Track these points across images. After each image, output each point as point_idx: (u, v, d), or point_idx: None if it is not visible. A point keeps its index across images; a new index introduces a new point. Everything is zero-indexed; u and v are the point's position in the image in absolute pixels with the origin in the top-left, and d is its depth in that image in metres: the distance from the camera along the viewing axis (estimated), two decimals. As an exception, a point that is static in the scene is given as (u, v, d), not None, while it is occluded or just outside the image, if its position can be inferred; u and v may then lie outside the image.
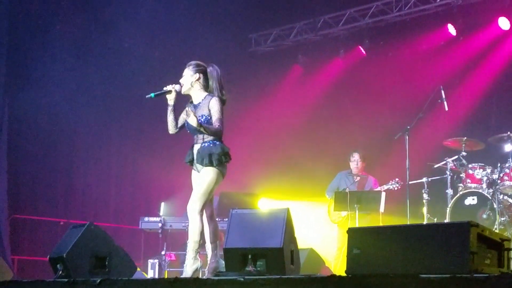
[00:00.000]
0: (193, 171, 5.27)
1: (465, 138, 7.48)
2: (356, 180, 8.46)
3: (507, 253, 3.36)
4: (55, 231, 8.41)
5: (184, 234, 8.11)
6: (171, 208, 8.88)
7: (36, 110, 8.72)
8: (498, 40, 9.07)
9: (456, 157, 7.47)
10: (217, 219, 7.80)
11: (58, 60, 8.77)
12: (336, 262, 7.86)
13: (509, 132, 7.10)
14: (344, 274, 3.31)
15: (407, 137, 7.19)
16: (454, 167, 7.46)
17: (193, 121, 4.99)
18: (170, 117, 5.30)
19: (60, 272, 4.78)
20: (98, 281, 4.01)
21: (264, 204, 8.80)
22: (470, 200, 7.13)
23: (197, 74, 5.26)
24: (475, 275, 2.87)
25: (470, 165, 7.34)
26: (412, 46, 9.59)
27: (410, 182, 7.19)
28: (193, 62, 5.35)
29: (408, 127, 7.25)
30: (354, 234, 3.47)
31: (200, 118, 5.07)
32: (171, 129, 5.33)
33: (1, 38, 8.36)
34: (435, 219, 7.44)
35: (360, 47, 10.10)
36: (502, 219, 6.88)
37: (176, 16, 9.38)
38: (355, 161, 8.46)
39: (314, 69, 10.52)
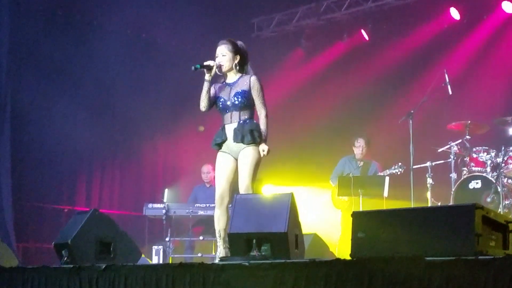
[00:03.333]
0: (221, 153, 5.08)
1: (469, 121, 7.46)
2: (360, 165, 8.47)
3: (512, 235, 3.36)
4: (60, 218, 8.44)
5: (188, 220, 8.15)
6: (175, 194, 8.89)
7: (40, 96, 8.71)
8: (502, 24, 9.01)
9: (460, 140, 7.45)
10: (221, 205, 7.93)
11: (60, 45, 8.74)
12: (340, 247, 7.88)
13: (513, 115, 7.08)
14: (348, 258, 3.32)
15: (411, 121, 7.17)
16: (458, 150, 7.44)
17: (265, 150, 4.96)
18: (206, 93, 5.05)
19: (65, 258, 4.79)
20: (103, 266, 4.03)
21: (268, 190, 8.81)
22: (474, 184, 7.11)
23: (237, 56, 5.11)
24: (480, 257, 2.87)
25: (474, 149, 7.32)
26: (415, 29, 9.54)
27: (414, 167, 7.17)
28: (229, 40, 5.14)
29: (412, 111, 7.23)
30: (359, 218, 3.47)
31: (239, 93, 4.98)
32: (205, 105, 5.09)
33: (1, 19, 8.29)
34: (439, 203, 7.43)
35: (363, 31, 10.05)
36: (506, 202, 6.87)
37: (178, 1, 9.33)
38: (360, 147, 8.45)
39: (317, 53, 10.48)
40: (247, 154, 4.95)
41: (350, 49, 10.22)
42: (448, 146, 7.48)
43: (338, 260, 3.23)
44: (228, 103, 5.03)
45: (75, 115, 9.04)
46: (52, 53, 8.62)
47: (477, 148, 7.31)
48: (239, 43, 5.20)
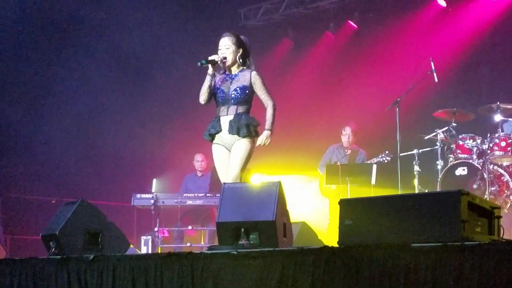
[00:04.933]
0: (215, 146, 5.13)
1: (455, 109, 7.50)
2: (347, 153, 8.49)
3: (497, 220, 3.39)
4: (48, 210, 8.40)
5: (176, 210, 8.15)
6: (163, 184, 8.88)
7: (26, 86, 8.65)
8: (487, 10, 9.04)
9: (446, 128, 7.50)
10: (209, 194, 7.95)
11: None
12: (328, 235, 7.91)
13: (498, 102, 7.12)
14: (336, 245, 3.34)
15: (397, 109, 7.20)
16: (444, 138, 7.49)
17: (267, 139, 5.03)
18: (208, 88, 5.09)
19: (53, 250, 4.77)
20: (92, 257, 4.02)
21: (257, 180, 8.82)
22: (461, 171, 7.17)
23: (240, 49, 5.15)
24: (466, 243, 2.90)
25: (460, 136, 7.37)
26: (402, 18, 9.55)
27: (401, 154, 7.21)
28: (232, 33, 5.17)
29: (399, 99, 7.25)
30: (346, 205, 3.48)
31: (240, 88, 5.02)
32: (205, 99, 5.13)
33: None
34: (426, 190, 7.48)
35: (349, 20, 10.05)
36: (492, 188, 6.93)
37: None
38: (346, 135, 8.48)
39: (304, 43, 10.47)
40: (241, 145, 5.00)
41: (337, 38, 10.22)
42: (434, 133, 7.53)
43: (325, 247, 3.25)
44: (228, 96, 5.07)
45: (63, 107, 8.99)
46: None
47: (463, 135, 7.36)
48: (243, 37, 5.25)
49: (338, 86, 9.88)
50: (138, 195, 7.96)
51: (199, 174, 8.94)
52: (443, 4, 9.29)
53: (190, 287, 3.56)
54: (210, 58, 5.06)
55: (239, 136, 5.00)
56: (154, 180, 8.61)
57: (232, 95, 5.07)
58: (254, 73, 5.11)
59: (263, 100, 5.13)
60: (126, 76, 9.60)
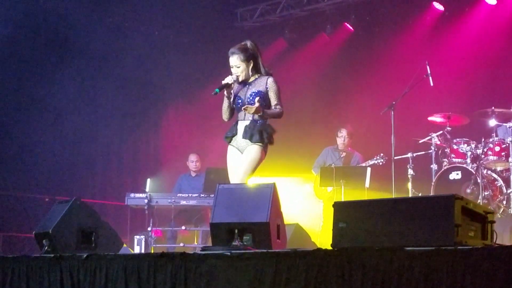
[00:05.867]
0: (230, 148, 5.23)
1: (450, 113, 7.52)
2: (342, 156, 8.50)
3: (490, 225, 3.40)
4: (41, 208, 8.39)
5: (170, 210, 8.14)
6: (157, 184, 8.86)
7: (20, 85, 8.63)
8: (484, 15, 9.07)
9: (441, 132, 7.52)
10: (203, 195, 7.94)
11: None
12: (322, 237, 7.92)
13: (493, 107, 7.14)
14: (330, 248, 3.34)
15: (392, 113, 7.21)
16: (439, 142, 7.51)
17: (256, 111, 4.99)
18: (227, 107, 5.23)
19: (46, 248, 4.76)
20: (85, 256, 4.01)
21: (251, 181, 8.80)
22: (454, 175, 7.19)
23: (251, 61, 5.18)
24: (459, 247, 2.91)
25: (454, 140, 7.39)
26: (398, 21, 9.57)
27: (395, 158, 7.22)
28: (239, 49, 5.18)
29: (394, 102, 7.26)
30: (340, 208, 3.48)
31: (255, 94, 5.08)
32: (227, 117, 5.27)
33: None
34: (420, 194, 7.50)
35: (346, 23, 10.06)
36: (486, 193, 6.95)
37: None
38: (342, 137, 8.48)
39: (300, 44, 10.47)
40: (251, 151, 5.09)
41: (333, 40, 10.22)
42: (429, 137, 7.54)
43: (319, 250, 3.26)
44: (244, 102, 5.13)
45: (57, 103, 8.97)
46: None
47: (458, 139, 7.39)
48: (249, 43, 5.25)
49: (334, 89, 9.89)
50: (132, 195, 7.94)
51: (193, 174, 8.93)
52: (440, 8, 9.31)
53: (183, 287, 3.55)
54: (223, 82, 5.13)
55: (251, 141, 5.09)
56: (148, 180, 8.59)
57: (249, 101, 5.13)
58: (271, 79, 5.19)
59: (274, 106, 5.17)
60: (121, 77, 9.58)
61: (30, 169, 8.74)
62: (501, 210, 6.93)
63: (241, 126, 5.16)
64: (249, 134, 5.08)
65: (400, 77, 8.59)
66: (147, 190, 8.28)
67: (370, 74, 9.59)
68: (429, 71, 7.27)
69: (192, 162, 8.90)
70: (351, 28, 10.04)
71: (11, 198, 8.53)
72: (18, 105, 8.64)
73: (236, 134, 5.18)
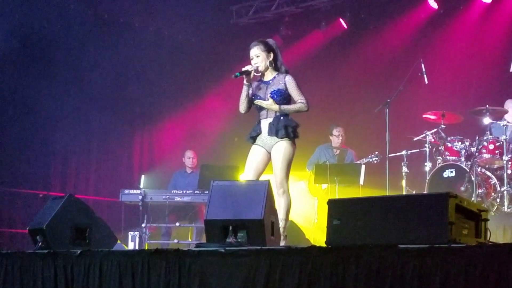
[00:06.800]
0: (255, 146, 5.25)
1: (444, 111, 7.54)
2: (336, 153, 8.51)
3: (484, 223, 3.41)
4: (35, 204, 8.35)
5: (164, 206, 8.13)
6: (152, 180, 8.86)
7: (14, 80, 8.59)
8: (478, 13, 9.09)
9: (435, 130, 7.53)
10: (197, 191, 7.94)
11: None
12: (316, 235, 7.93)
13: (487, 105, 7.16)
14: (324, 245, 3.35)
15: (387, 110, 7.21)
16: (433, 140, 7.52)
17: (273, 107, 5.07)
18: (245, 97, 5.27)
19: (40, 244, 4.75)
20: (78, 252, 4.01)
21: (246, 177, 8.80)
22: (449, 173, 7.21)
23: (271, 54, 5.26)
24: (452, 245, 2.91)
25: (449, 138, 7.41)
26: (393, 19, 9.57)
27: (389, 155, 7.23)
28: (260, 40, 5.30)
29: (389, 100, 7.26)
30: (334, 205, 3.49)
31: (275, 92, 5.13)
32: (244, 108, 5.31)
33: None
34: (414, 192, 7.52)
35: (341, 19, 10.06)
36: (480, 191, 6.97)
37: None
38: (339, 135, 8.49)
39: (295, 41, 10.46)
40: (280, 148, 5.13)
41: (328, 37, 10.22)
42: (423, 135, 7.56)
43: (313, 247, 3.26)
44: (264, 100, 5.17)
45: (52, 100, 8.94)
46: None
47: (452, 137, 7.40)
48: (270, 40, 5.37)
49: (328, 86, 9.88)
50: (126, 191, 7.94)
51: (188, 170, 8.92)
52: (435, 6, 9.32)
53: (177, 283, 3.56)
54: (243, 69, 5.20)
55: (277, 137, 5.13)
56: (143, 176, 8.59)
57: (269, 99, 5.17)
58: (288, 76, 5.25)
59: (296, 101, 5.22)
60: (114, 72, 9.55)
61: (24, 165, 8.71)
62: (495, 208, 6.95)
63: (265, 124, 5.20)
64: (274, 130, 5.13)
65: (395, 74, 8.60)
66: (141, 186, 8.27)
67: (364, 72, 9.60)
68: (423, 69, 7.29)
69: (189, 158, 8.90)
70: (345, 25, 10.04)
71: (5, 194, 8.50)
72: (12, 101, 8.60)
73: (261, 132, 5.22)
